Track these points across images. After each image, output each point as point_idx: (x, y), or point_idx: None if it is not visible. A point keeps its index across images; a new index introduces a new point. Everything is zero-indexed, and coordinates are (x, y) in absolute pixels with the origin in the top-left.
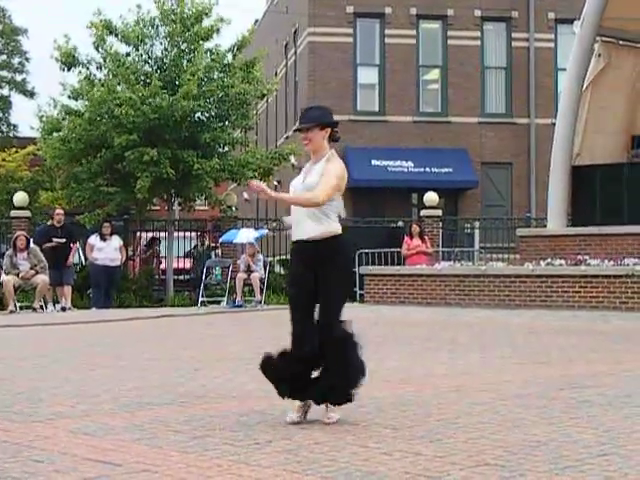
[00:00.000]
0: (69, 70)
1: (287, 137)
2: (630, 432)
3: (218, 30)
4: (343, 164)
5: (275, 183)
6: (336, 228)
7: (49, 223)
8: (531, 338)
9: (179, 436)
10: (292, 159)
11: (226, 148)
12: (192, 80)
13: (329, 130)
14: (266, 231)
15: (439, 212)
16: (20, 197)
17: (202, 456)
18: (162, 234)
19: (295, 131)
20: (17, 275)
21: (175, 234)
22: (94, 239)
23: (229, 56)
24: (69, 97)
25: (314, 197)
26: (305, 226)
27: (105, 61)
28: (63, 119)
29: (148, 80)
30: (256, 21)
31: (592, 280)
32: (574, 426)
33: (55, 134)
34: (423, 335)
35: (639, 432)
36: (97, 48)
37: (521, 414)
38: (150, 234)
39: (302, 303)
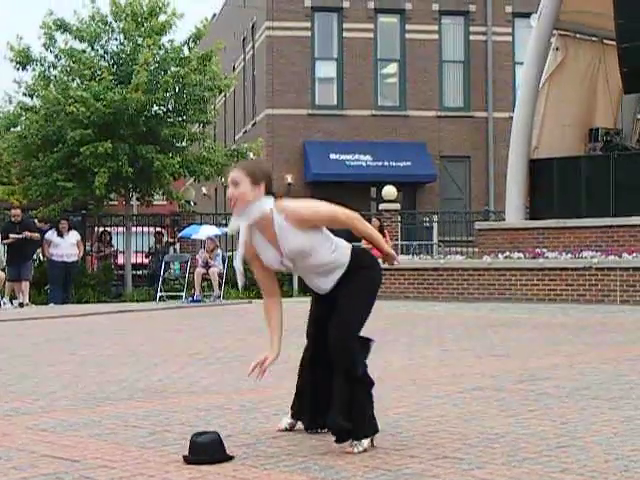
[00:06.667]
0: (24, 69)
1: (245, 132)
2: (588, 424)
3: (171, 25)
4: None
5: None
6: (347, 255)
7: (7, 220)
8: (489, 331)
9: (137, 431)
10: (251, 155)
11: (184, 143)
12: (142, 72)
13: (263, 186)
14: (226, 229)
15: (397, 206)
16: None
17: (160, 451)
18: (120, 229)
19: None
20: None
21: (133, 229)
22: (51, 235)
23: (185, 49)
24: (24, 94)
25: (354, 221)
26: (324, 282)
27: (58, 58)
28: (19, 115)
29: (104, 75)
30: (214, 15)
31: (550, 273)
32: (532, 418)
33: (12, 129)
34: (381, 329)
35: (597, 424)
36: (47, 47)
37: (479, 407)
38: (109, 229)
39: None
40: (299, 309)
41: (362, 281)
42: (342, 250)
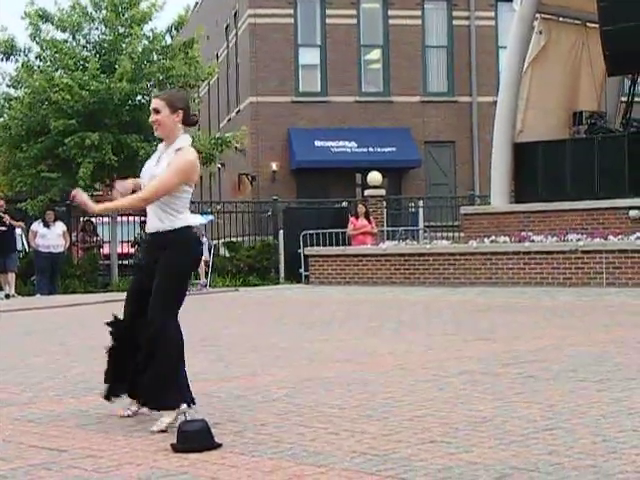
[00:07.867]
0: (8, 60)
1: (229, 120)
2: (575, 406)
3: (151, 14)
4: (195, 154)
5: (219, 166)
6: (181, 223)
7: None
8: (476, 315)
9: (125, 421)
10: (235, 144)
11: None
12: (126, 61)
13: (181, 113)
14: (212, 217)
15: (383, 192)
16: None
17: (148, 440)
18: (105, 219)
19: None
20: None
21: (119, 219)
22: (37, 225)
23: (168, 38)
24: (8, 86)
25: (140, 199)
26: (151, 220)
27: (42, 49)
28: (2, 106)
29: (87, 65)
30: (196, 3)
31: (536, 256)
32: (519, 401)
33: None
34: (368, 314)
35: (583, 406)
36: (34, 38)
37: (466, 390)
38: (93, 219)
39: (135, 297)
40: (287, 296)
41: (170, 264)
42: (182, 217)
